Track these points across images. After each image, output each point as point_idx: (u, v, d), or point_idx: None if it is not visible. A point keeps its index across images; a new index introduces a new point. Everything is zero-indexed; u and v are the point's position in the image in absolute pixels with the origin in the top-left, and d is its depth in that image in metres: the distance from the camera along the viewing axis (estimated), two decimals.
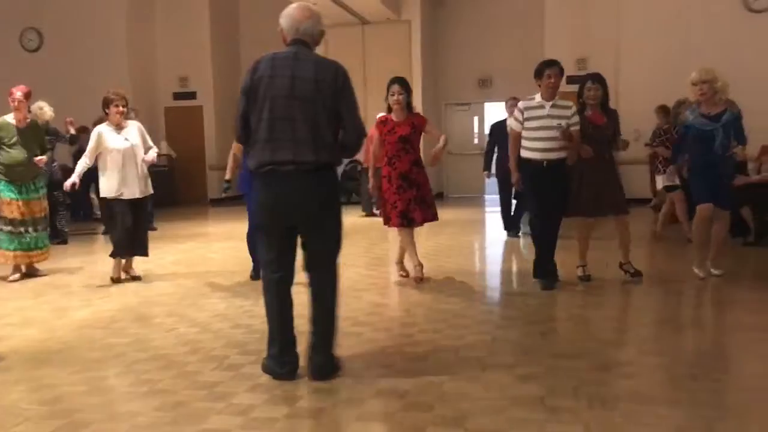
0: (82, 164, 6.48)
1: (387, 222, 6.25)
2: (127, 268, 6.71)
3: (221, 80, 15.52)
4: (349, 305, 5.43)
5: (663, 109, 10.20)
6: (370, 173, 6.25)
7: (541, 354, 4.15)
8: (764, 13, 11.61)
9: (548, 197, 5.77)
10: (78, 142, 9.06)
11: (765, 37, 11.33)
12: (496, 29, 14.77)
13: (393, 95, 6.10)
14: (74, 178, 6.51)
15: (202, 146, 15.83)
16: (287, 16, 3.72)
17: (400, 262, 6.48)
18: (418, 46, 14.13)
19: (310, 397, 3.49)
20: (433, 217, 6.23)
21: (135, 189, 6.45)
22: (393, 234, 10.14)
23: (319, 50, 13.78)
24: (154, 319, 5.18)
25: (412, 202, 6.06)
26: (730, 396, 3.44)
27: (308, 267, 3.75)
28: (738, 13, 11.73)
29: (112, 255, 6.58)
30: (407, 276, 6.35)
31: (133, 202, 6.46)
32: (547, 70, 5.78)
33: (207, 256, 8.27)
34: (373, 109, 13.95)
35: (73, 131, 8.61)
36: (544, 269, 5.96)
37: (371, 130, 11.76)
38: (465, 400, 3.39)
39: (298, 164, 3.54)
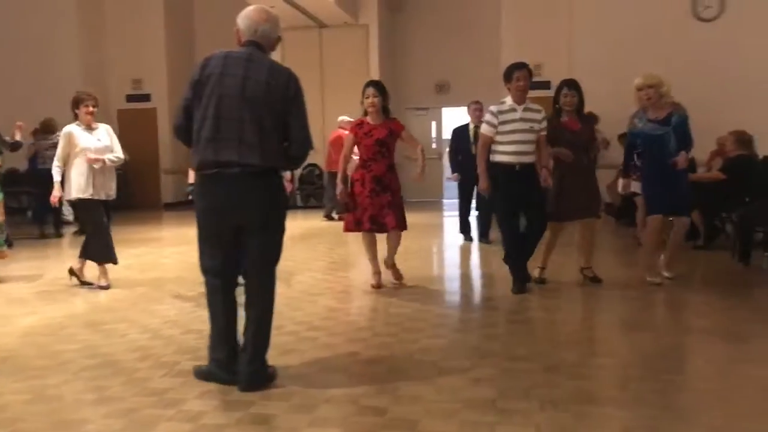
0: (58, 170, 6.29)
1: (351, 227, 6.11)
2: (81, 273, 6.54)
3: (176, 83, 15.29)
4: (304, 310, 5.43)
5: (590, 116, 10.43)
6: (339, 178, 6.08)
7: (494, 357, 4.18)
8: (712, 22, 11.91)
9: (519, 200, 5.78)
10: (21, 148, 8.77)
11: (713, 45, 11.62)
12: (454, 35, 14.89)
13: (368, 98, 6.00)
14: (57, 191, 6.31)
15: (156, 149, 15.61)
16: (245, 18, 3.68)
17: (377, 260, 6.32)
18: (376, 50, 14.19)
19: (262, 402, 3.45)
20: (404, 226, 6.12)
21: (102, 191, 6.28)
22: (352, 238, 10.14)
23: (276, 53, 13.65)
24: (104, 326, 5.07)
25: (386, 207, 5.96)
26: (677, 397, 3.51)
27: (246, 272, 3.71)
28: (687, 22, 12.02)
29: (97, 260, 6.37)
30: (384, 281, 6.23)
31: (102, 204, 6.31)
32: (516, 72, 5.80)
33: (159, 261, 8.15)
34: (330, 112, 14.00)
35: (18, 137, 8.34)
36: (521, 276, 5.91)
37: (335, 133, 11.82)
38: (418, 404, 3.40)
39: (243, 166, 3.48)
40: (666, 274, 6.17)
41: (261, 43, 3.67)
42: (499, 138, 5.77)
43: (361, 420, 3.25)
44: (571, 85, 6.05)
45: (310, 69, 14.33)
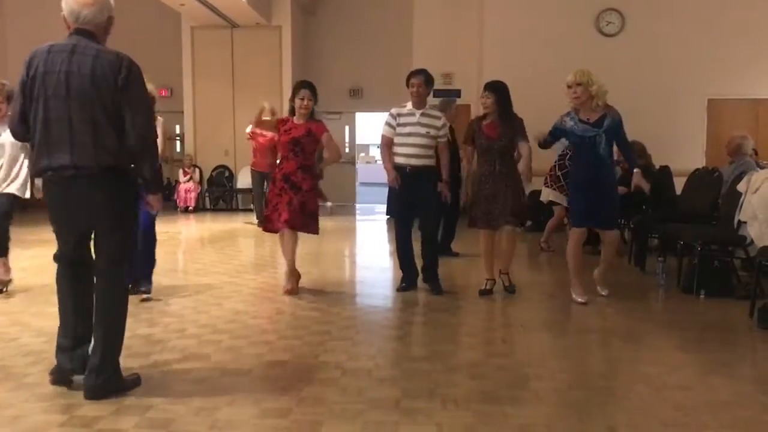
0: None
1: (264, 225, 6.13)
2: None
3: None
4: (209, 313, 5.31)
5: None
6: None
7: (399, 357, 4.22)
8: (614, 37, 12.43)
9: (410, 201, 5.93)
10: None
11: (614, 59, 12.11)
12: (367, 41, 14.96)
13: (302, 99, 5.88)
14: None
15: None
16: (68, 2, 3.40)
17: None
18: (289, 52, 14.09)
19: (161, 406, 3.35)
20: (312, 230, 5.98)
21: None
22: (262, 241, 10.00)
23: (186, 49, 13.40)
24: None
25: (285, 205, 5.86)
26: (573, 394, 3.62)
27: (95, 272, 3.56)
28: (591, 36, 12.49)
29: None
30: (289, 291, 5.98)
31: None
32: (412, 79, 5.95)
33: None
34: (241, 113, 13.82)
35: None
36: (407, 274, 6.14)
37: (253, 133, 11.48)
38: (322, 405, 3.38)
39: (78, 168, 3.33)
40: (601, 292, 5.91)
41: (89, 29, 3.41)
42: (396, 140, 5.93)
43: (264, 422, 3.20)
44: (488, 87, 5.90)
45: (221, 69, 14.13)
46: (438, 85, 12.98)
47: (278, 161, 6.08)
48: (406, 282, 6.13)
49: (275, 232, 6.11)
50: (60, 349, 3.54)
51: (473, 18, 13.14)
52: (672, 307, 5.90)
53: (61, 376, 3.54)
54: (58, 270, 3.58)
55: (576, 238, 5.79)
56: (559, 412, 3.36)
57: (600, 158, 5.57)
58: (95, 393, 3.41)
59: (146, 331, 4.69)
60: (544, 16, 12.48)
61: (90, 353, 3.47)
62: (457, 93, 12.10)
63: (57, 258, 3.58)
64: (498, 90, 5.86)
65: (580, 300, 5.69)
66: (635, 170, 5.87)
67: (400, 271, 6.22)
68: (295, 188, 5.89)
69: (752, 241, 5.79)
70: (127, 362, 3.85)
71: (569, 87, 5.60)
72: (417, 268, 6.16)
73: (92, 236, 3.57)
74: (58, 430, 3.08)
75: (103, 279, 3.50)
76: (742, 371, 4.19)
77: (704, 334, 4.87)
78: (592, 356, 4.47)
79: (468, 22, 13.18)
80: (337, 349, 4.36)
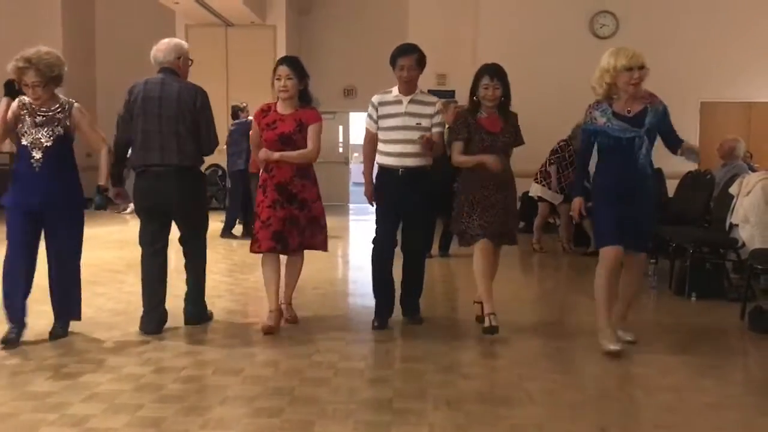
0: None
1: (254, 244, 4.72)
2: None
3: (73, 74, 14.64)
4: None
5: None
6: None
7: (391, 358, 4.23)
8: (608, 39, 12.46)
9: (399, 211, 4.82)
10: None
11: None
12: (361, 40, 14.94)
13: (279, 79, 4.62)
14: None
15: None
16: (153, 50, 4.73)
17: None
18: (284, 51, 14.03)
19: (152, 406, 3.35)
20: (321, 246, 4.88)
21: None
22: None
23: None
24: None
25: (288, 222, 4.65)
26: (566, 395, 3.62)
27: (182, 241, 4.84)
28: (586, 38, 12.52)
29: None
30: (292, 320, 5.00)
31: None
32: (400, 59, 4.76)
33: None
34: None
35: None
36: (382, 305, 4.93)
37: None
38: (314, 405, 3.38)
39: (165, 166, 4.55)
40: (625, 337, 4.49)
41: (168, 67, 4.68)
42: (382, 135, 4.80)
43: (256, 422, 3.20)
44: (495, 73, 4.69)
45: (215, 68, 14.06)
46: (432, 86, 13.06)
47: (264, 165, 4.77)
48: (381, 316, 4.87)
49: (257, 252, 4.78)
50: (144, 314, 4.65)
51: (468, 19, 13.17)
52: (663, 309, 5.91)
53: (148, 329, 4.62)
54: (142, 252, 4.69)
55: (609, 261, 4.26)
56: (551, 412, 3.36)
57: (639, 166, 4.29)
58: (195, 320, 4.82)
59: (138, 330, 4.66)
60: (538, 18, 12.50)
61: (187, 292, 4.85)
62: (452, 94, 12.10)
63: (141, 239, 4.69)
64: (505, 78, 4.74)
65: (612, 348, 4.22)
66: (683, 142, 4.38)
67: (374, 299, 4.99)
68: (295, 201, 4.67)
69: (744, 244, 5.82)
70: (120, 359, 3.85)
71: (628, 69, 4.21)
72: (394, 295, 5.01)
73: (169, 220, 4.69)
74: (49, 429, 3.07)
75: (190, 243, 4.83)
76: (733, 374, 4.20)
77: (695, 337, 4.88)
78: (584, 358, 4.46)
79: (463, 23, 13.20)
80: (330, 349, 4.35)
